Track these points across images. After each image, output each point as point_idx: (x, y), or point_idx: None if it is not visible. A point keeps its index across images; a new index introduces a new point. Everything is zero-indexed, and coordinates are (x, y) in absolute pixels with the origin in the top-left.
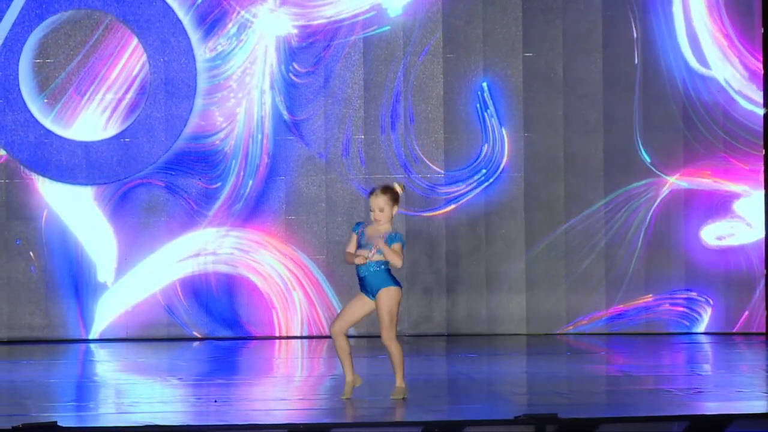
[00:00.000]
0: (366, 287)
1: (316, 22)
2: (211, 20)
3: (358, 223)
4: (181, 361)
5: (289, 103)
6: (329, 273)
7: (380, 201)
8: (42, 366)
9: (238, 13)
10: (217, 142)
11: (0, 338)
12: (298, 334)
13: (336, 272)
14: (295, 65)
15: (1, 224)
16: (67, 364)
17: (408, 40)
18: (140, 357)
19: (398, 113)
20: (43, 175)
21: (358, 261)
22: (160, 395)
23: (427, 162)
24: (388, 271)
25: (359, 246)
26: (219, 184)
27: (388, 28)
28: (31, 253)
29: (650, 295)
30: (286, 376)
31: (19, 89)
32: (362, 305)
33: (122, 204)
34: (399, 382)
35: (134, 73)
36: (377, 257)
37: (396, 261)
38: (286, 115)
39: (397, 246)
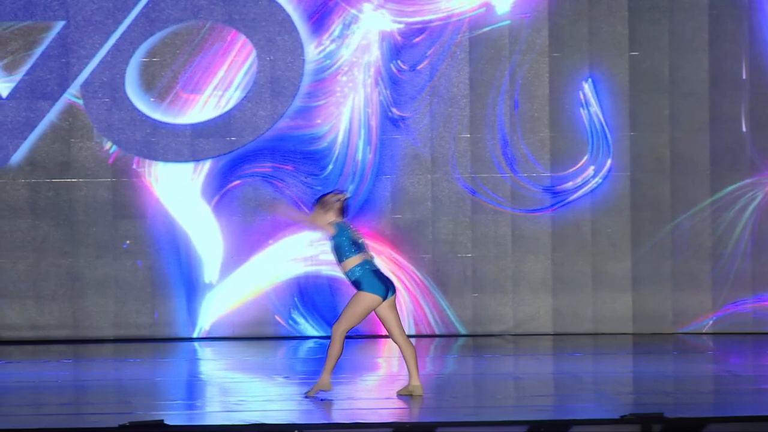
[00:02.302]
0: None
1: (422, 19)
2: (317, 18)
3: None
4: (286, 359)
5: (395, 101)
6: (434, 272)
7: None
8: (148, 365)
9: (344, 10)
10: (323, 140)
11: (107, 336)
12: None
13: (441, 271)
14: (400, 63)
15: (108, 223)
16: (173, 362)
17: (514, 39)
18: (246, 355)
19: (504, 112)
20: (152, 158)
21: None
22: (265, 394)
23: (533, 161)
24: (372, 272)
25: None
26: (325, 182)
27: (494, 26)
28: (138, 251)
29: (757, 294)
30: (392, 375)
31: (125, 88)
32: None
33: (228, 202)
34: (325, 376)
35: (240, 72)
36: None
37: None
38: (393, 112)
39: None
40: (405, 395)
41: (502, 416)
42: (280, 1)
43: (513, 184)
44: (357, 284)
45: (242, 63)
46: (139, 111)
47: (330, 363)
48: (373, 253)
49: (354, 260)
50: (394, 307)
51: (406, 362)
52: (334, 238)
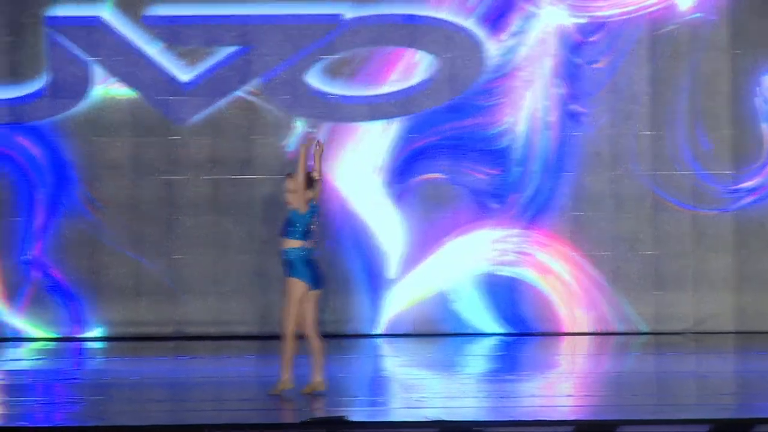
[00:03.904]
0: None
1: (601, 14)
2: (496, 16)
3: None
4: (467, 356)
5: (573, 97)
6: (615, 269)
7: (289, 183)
8: (329, 361)
9: (522, 7)
10: (502, 136)
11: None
12: (584, 331)
13: (622, 268)
14: (579, 59)
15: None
16: (355, 358)
17: (695, 36)
18: (427, 352)
19: (685, 110)
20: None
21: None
22: (448, 390)
23: (715, 158)
24: (307, 261)
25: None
26: (505, 179)
27: (676, 24)
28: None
29: None
30: (572, 373)
31: (307, 84)
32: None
33: (409, 198)
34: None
35: (417, 70)
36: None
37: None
38: (572, 108)
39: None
40: (308, 393)
41: (684, 414)
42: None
43: (694, 181)
44: (288, 266)
45: (420, 60)
46: (319, 109)
47: (285, 358)
48: (315, 245)
49: (297, 243)
50: (316, 302)
51: (313, 358)
52: (297, 213)
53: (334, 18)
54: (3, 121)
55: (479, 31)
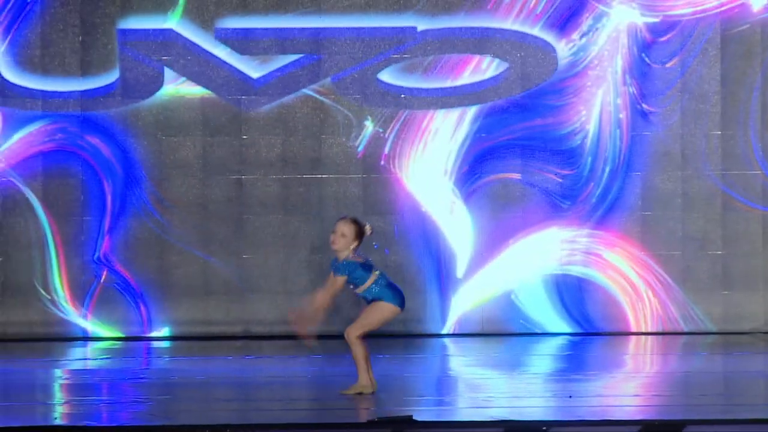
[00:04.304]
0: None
1: (672, 14)
2: (567, 16)
3: (334, 262)
4: (534, 356)
5: (644, 96)
6: (684, 269)
7: (344, 227)
8: (397, 360)
9: (594, 7)
10: (572, 136)
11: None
12: (652, 330)
13: (691, 268)
14: (649, 57)
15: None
16: (422, 358)
17: (767, 36)
18: (494, 352)
19: (756, 109)
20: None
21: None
22: (514, 390)
23: None
24: (387, 286)
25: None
26: (575, 179)
27: (748, 24)
28: (387, 246)
29: None
30: (639, 372)
31: (376, 84)
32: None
33: (478, 197)
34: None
35: (491, 67)
36: (360, 290)
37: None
38: (642, 106)
39: (340, 280)
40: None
41: (753, 414)
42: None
43: (764, 181)
44: (377, 299)
45: (492, 59)
46: (389, 107)
47: (361, 365)
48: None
49: (371, 279)
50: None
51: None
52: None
53: (409, 30)
54: (74, 113)
55: (548, 35)
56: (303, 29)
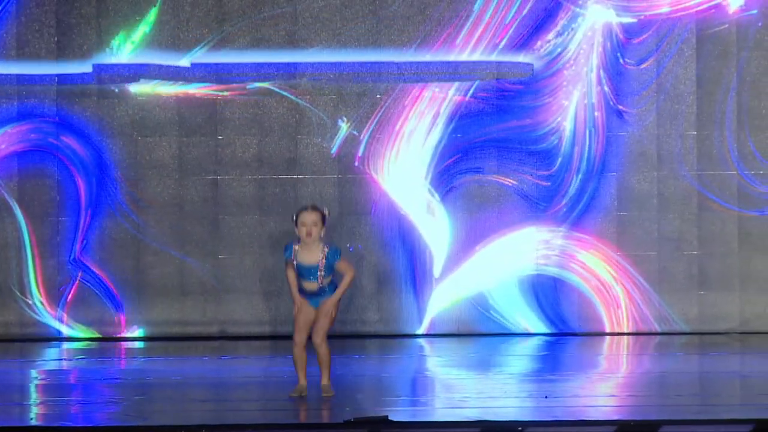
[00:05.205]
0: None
1: (647, 14)
2: (542, 17)
3: (287, 247)
4: (509, 356)
5: (618, 96)
6: (660, 269)
7: (314, 216)
8: (373, 360)
9: (568, 8)
10: (548, 136)
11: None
12: (627, 331)
13: (666, 268)
14: (625, 58)
15: (333, 219)
16: (398, 358)
17: (743, 36)
18: (470, 352)
19: (732, 110)
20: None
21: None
22: (490, 390)
23: (761, 159)
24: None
25: (298, 272)
26: (551, 179)
27: (724, 24)
28: (363, 247)
29: None
30: (615, 373)
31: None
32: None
33: (454, 197)
34: (325, 380)
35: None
36: (327, 281)
37: (349, 284)
38: (618, 107)
39: (342, 265)
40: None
41: (728, 414)
42: None
43: (739, 182)
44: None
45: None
46: (364, 108)
47: (326, 368)
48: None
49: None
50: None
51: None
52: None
53: (386, 66)
54: (49, 113)
55: (521, 52)
56: (278, 64)
